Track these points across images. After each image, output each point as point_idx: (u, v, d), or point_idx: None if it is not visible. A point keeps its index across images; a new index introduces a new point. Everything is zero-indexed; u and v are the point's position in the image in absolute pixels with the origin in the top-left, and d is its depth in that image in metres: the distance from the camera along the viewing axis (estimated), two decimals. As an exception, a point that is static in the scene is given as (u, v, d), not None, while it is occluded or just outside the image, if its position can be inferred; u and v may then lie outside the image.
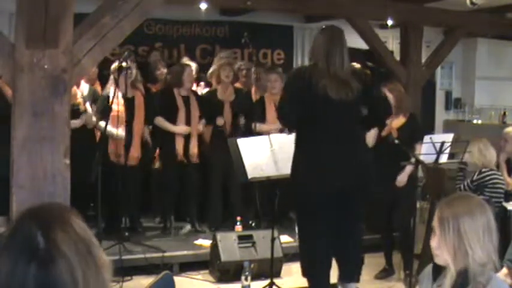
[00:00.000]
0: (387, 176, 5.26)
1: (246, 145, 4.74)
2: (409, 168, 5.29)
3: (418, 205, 5.81)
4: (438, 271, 2.16)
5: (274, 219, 5.41)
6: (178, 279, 5.01)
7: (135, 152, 6.06)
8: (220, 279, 5.37)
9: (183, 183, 6.38)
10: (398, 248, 5.66)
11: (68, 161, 3.78)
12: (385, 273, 5.66)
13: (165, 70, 6.91)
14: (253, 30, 8.20)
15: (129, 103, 5.99)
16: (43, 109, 3.72)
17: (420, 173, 5.72)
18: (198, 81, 7.21)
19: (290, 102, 4.21)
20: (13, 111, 3.75)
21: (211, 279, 5.47)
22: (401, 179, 5.36)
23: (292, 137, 4.89)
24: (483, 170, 5.50)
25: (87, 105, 6.00)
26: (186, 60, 7.24)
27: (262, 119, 6.54)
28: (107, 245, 5.46)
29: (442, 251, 2.16)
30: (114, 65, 5.98)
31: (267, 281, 4.98)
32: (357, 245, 4.37)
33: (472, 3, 6.38)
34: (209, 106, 6.47)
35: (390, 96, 5.42)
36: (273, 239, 4.97)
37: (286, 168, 4.70)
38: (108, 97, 5.87)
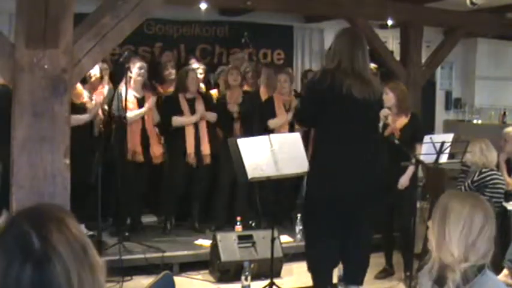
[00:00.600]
0: (388, 176, 5.26)
1: (246, 145, 4.73)
2: (410, 170, 5.28)
3: (418, 205, 5.81)
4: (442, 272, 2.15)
5: (274, 219, 5.42)
6: (178, 279, 5.01)
7: (158, 150, 6.16)
8: (220, 279, 5.37)
9: (192, 184, 6.36)
10: (399, 248, 5.66)
11: (68, 161, 3.78)
12: (385, 273, 5.66)
13: (173, 71, 6.91)
14: (253, 30, 8.20)
15: (139, 103, 6.07)
16: (43, 109, 3.72)
17: (420, 173, 5.71)
18: (205, 82, 7.20)
19: (309, 103, 4.24)
20: (13, 111, 3.75)
21: (211, 279, 5.47)
22: (404, 181, 5.35)
23: (292, 137, 4.91)
24: (483, 170, 5.50)
25: (94, 101, 6.02)
26: (193, 62, 7.24)
27: (272, 118, 6.55)
28: (106, 245, 5.48)
29: (431, 239, 2.16)
30: (140, 64, 6.06)
31: (267, 281, 4.98)
32: (364, 248, 4.38)
33: (472, 3, 6.38)
34: (219, 113, 6.47)
35: (391, 95, 5.42)
36: (273, 239, 4.97)
37: (286, 168, 4.71)
38: (121, 95, 5.90)
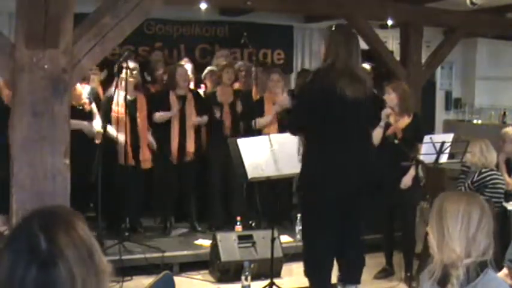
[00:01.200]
0: (388, 176, 5.26)
1: (246, 145, 4.74)
2: (413, 170, 5.28)
3: (418, 205, 5.81)
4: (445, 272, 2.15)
5: (274, 219, 5.41)
6: (178, 279, 5.01)
7: (147, 155, 6.13)
8: (220, 279, 5.37)
9: (181, 183, 6.38)
10: (400, 248, 5.66)
11: (68, 161, 3.78)
12: (385, 273, 5.66)
13: (163, 70, 6.91)
14: (253, 30, 8.20)
15: (130, 105, 5.98)
16: (43, 109, 3.72)
17: (420, 173, 5.71)
18: (196, 82, 7.19)
19: (302, 111, 4.21)
20: (13, 111, 3.75)
21: (211, 279, 5.47)
22: (406, 181, 5.35)
23: (292, 137, 4.90)
24: (483, 170, 5.50)
25: (93, 106, 6.00)
26: (185, 61, 7.23)
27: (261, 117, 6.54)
28: (107, 245, 5.47)
29: (431, 242, 2.17)
30: (133, 66, 6.01)
31: (267, 281, 4.98)
32: (359, 246, 4.37)
33: (472, 3, 6.38)
34: (209, 108, 6.46)
35: (394, 96, 5.42)
36: (273, 239, 4.97)
37: (286, 168, 4.71)
38: (112, 98, 5.87)
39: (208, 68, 7.17)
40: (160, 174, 6.42)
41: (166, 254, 5.61)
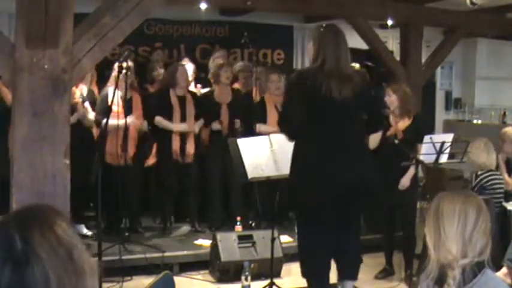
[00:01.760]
0: (388, 176, 5.26)
1: (246, 145, 4.74)
2: (411, 171, 5.28)
3: (418, 205, 5.81)
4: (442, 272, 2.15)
5: (274, 219, 5.42)
6: (178, 279, 5.01)
7: (131, 151, 6.06)
8: (220, 279, 5.37)
9: (181, 183, 6.38)
10: (400, 248, 5.66)
11: (68, 161, 3.78)
12: (385, 273, 5.66)
13: (162, 70, 6.91)
14: (253, 30, 8.20)
15: (126, 104, 5.97)
16: (43, 109, 3.72)
17: (420, 173, 5.72)
18: (196, 81, 7.20)
19: (291, 109, 4.20)
20: (13, 111, 3.75)
21: (211, 279, 5.47)
22: (405, 182, 5.35)
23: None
24: (479, 173, 5.49)
25: (87, 104, 5.99)
26: (186, 61, 7.23)
27: (263, 120, 6.53)
28: (107, 245, 5.47)
29: (428, 242, 2.17)
30: (118, 65, 5.97)
31: (267, 281, 4.98)
32: (355, 243, 4.37)
33: (472, 3, 6.38)
34: (207, 108, 6.46)
35: (394, 98, 5.41)
36: (273, 239, 4.97)
37: (286, 168, 4.69)
38: (107, 97, 5.86)
39: (213, 67, 7.19)
40: (160, 174, 6.42)
41: (166, 254, 5.61)
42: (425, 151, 5.12)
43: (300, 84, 4.13)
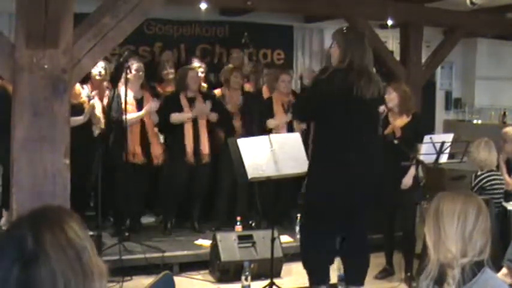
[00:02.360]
0: (388, 176, 5.26)
1: (246, 145, 4.74)
2: (412, 170, 5.28)
3: (418, 205, 5.81)
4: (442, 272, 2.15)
5: (274, 219, 5.41)
6: (178, 279, 5.01)
7: (158, 150, 6.16)
8: (220, 279, 5.36)
9: (192, 184, 6.35)
10: (400, 248, 5.66)
11: (68, 161, 3.78)
12: (385, 273, 5.66)
13: (171, 70, 6.91)
14: (253, 30, 8.20)
15: (138, 104, 6.04)
16: (43, 109, 3.72)
17: (420, 173, 5.72)
18: (205, 81, 7.20)
19: (312, 100, 4.22)
20: (13, 111, 3.75)
21: (211, 279, 5.47)
22: (406, 182, 5.34)
23: (292, 137, 4.91)
24: (479, 173, 5.50)
25: (93, 102, 5.99)
26: (195, 62, 7.23)
27: (271, 118, 6.56)
28: (107, 245, 5.48)
29: (428, 242, 2.17)
30: (137, 66, 6.03)
31: (267, 281, 4.98)
32: (364, 248, 4.38)
33: (472, 3, 6.38)
34: (219, 112, 6.47)
35: (394, 95, 5.43)
36: (273, 239, 4.97)
37: (286, 168, 4.71)
38: (120, 96, 5.88)
39: (225, 68, 7.22)
40: (172, 174, 6.37)
41: (166, 254, 5.61)
42: (425, 151, 5.12)
43: (330, 82, 4.16)
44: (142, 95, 6.17)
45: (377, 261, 5.72)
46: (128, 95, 5.76)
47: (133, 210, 6.23)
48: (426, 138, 5.21)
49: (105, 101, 6.15)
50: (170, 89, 6.72)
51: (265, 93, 6.91)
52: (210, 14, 7.79)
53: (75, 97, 5.58)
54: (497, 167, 5.73)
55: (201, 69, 6.94)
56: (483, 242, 2.11)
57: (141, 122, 6.09)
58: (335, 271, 4.82)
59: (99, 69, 6.09)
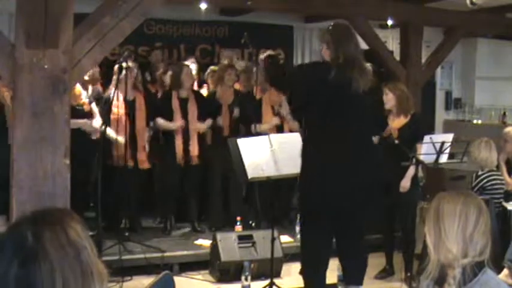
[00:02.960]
0: (388, 176, 5.26)
1: (246, 145, 4.74)
2: (411, 172, 5.28)
3: (418, 205, 5.81)
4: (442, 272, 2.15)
5: (274, 219, 5.41)
6: (178, 279, 5.01)
7: (144, 155, 6.11)
8: (220, 279, 5.37)
9: (184, 184, 6.37)
10: (400, 248, 5.66)
11: (68, 161, 3.78)
12: (386, 273, 5.66)
13: (163, 70, 6.91)
14: (253, 30, 8.19)
15: (130, 105, 5.98)
16: (43, 109, 3.72)
17: (420, 173, 5.72)
18: (199, 82, 7.19)
19: (303, 90, 4.20)
20: (13, 111, 3.75)
21: (211, 279, 5.47)
22: (405, 184, 5.34)
23: (292, 137, 4.90)
24: (479, 173, 5.50)
25: (93, 105, 5.99)
26: (191, 61, 7.23)
27: (258, 119, 6.52)
28: (106, 245, 5.47)
29: (428, 243, 2.17)
30: (116, 66, 5.97)
31: (267, 281, 4.98)
32: (361, 247, 4.38)
33: (472, 3, 6.38)
34: (208, 108, 6.46)
35: (391, 96, 5.42)
36: (273, 239, 4.97)
37: (286, 169, 4.70)
38: (109, 99, 5.86)
39: (211, 68, 7.18)
40: (163, 175, 6.40)
41: (166, 254, 5.61)
42: (425, 151, 5.12)
43: (319, 72, 4.12)
44: (135, 96, 6.11)
45: (377, 261, 5.72)
46: (119, 96, 5.72)
47: (131, 212, 6.22)
48: (426, 138, 5.20)
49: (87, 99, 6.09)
50: (163, 89, 6.71)
51: (257, 94, 6.87)
52: (210, 14, 7.80)
53: (75, 98, 5.57)
54: (497, 167, 5.73)
55: (194, 67, 6.91)
56: (484, 243, 2.11)
57: (131, 126, 6.00)
58: (335, 271, 4.82)
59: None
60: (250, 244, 5.49)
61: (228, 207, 6.66)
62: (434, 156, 5.12)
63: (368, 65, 4.30)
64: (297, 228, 6.09)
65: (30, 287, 1.20)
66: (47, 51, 3.69)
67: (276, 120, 6.52)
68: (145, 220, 6.73)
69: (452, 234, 2.09)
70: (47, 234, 1.23)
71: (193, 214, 6.52)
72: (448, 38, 7.82)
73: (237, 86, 6.99)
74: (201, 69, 7.41)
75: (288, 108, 6.01)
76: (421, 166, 5.48)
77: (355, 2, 6.69)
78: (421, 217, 5.85)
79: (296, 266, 5.46)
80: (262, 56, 6.20)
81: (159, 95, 6.81)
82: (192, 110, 6.31)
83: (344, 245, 4.26)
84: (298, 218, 6.04)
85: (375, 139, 5.26)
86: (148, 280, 4.52)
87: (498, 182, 5.51)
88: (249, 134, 6.25)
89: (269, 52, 4.67)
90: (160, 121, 6.26)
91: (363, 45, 7.23)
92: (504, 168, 5.89)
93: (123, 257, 5.33)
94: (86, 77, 6.19)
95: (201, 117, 6.37)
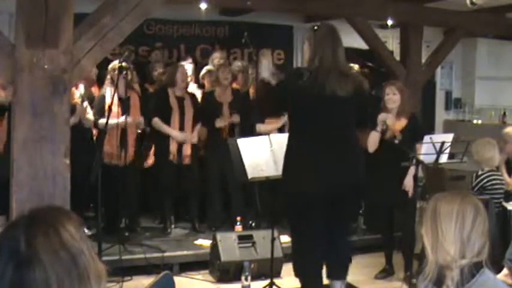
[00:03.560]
0: (388, 176, 5.26)
1: (246, 145, 4.74)
2: (412, 170, 5.28)
3: (418, 205, 5.81)
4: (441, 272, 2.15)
5: (274, 219, 5.41)
6: (178, 279, 5.01)
7: (131, 150, 6.06)
8: (220, 279, 5.36)
9: (180, 184, 6.37)
10: (400, 248, 5.66)
11: (68, 161, 3.78)
12: (385, 273, 5.66)
13: (161, 70, 6.91)
14: (253, 30, 8.19)
15: (124, 103, 5.97)
16: (43, 109, 3.72)
17: (420, 173, 5.72)
18: (196, 82, 7.19)
19: (282, 94, 4.22)
20: (13, 111, 3.75)
21: (211, 279, 5.47)
22: (408, 182, 5.33)
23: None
24: (479, 173, 5.50)
25: (85, 104, 5.98)
26: (188, 61, 7.22)
27: (260, 119, 6.51)
28: (106, 245, 5.47)
29: (425, 244, 2.17)
30: (112, 65, 5.97)
31: (267, 281, 4.98)
32: (345, 244, 4.39)
33: (472, 3, 6.38)
34: (207, 108, 6.46)
35: (398, 97, 5.41)
36: (273, 239, 4.97)
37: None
38: (104, 97, 5.86)
39: (206, 68, 7.17)
40: (160, 174, 6.41)
41: (166, 254, 5.61)
42: (425, 151, 5.12)
43: (299, 79, 4.12)
44: (129, 95, 6.08)
45: (377, 261, 5.73)
46: (113, 95, 5.70)
47: (129, 212, 6.22)
48: (426, 138, 5.20)
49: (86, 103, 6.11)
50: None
51: (252, 94, 6.86)
52: (210, 14, 7.79)
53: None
54: (497, 167, 5.72)
55: (190, 67, 6.90)
56: (481, 243, 2.10)
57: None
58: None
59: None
60: (250, 244, 5.49)
61: (228, 207, 6.66)
62: (434, 156, 5.12)
63: (354, 68, 4.27)
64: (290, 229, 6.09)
65: None
66: (47, 51, 3.69)
67: (279, 123, 6.46)
68: (145, 220, 6.73)
69: (450, 235, 2.09)
70: (40, 239, 1.22)
71: (193, 214, 6.52)
72: (448, 38, 7.82)
73: (235, 85, 6.99)
74: (200, 69, 7.40)
75: None
76: (421, 166, 5.48)
77: (355, 2, 6.69)
78: (420, 217, 5.85)
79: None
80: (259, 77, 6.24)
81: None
82: (189, 111, 6.31)
83: (329, 241, 4.25)
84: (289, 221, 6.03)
85: (375, 136, 5.25)
86: (148, 280, 4.52)
87: (498, 181, 5.51)
88: (248, 132, 6.24)
89: (263, 77, 4.66)
90: (158, 122, 6.25)
91: (363, 45, 7.27)
92: (504, 169, 5.89)
93: (123, 257, 5.33)
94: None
95: (197, 119, 6.37)
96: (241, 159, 4.68)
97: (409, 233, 5.48)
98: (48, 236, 1.23)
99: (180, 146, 6.26)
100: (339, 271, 4.35)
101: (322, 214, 4.13)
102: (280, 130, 6.45)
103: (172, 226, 6.43)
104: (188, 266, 5.67)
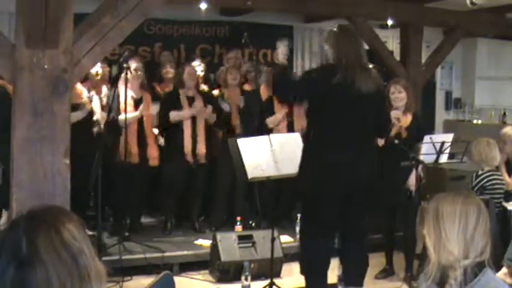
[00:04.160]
0: (388, 176, 5.26)
1: (246, 145, 4.74)
2: (414, 170, 5.28)
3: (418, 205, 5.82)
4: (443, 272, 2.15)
5: (274, 219, 5.41)
6: (178, 279, 5.01)
7: (154, 152, 6.15)
8: (220, 279, 5.36)
9: (190, 184, 6.36)
10: (401, 248, 5.66)
11: (68, 161, 3.78)
12: (386, 273, 5.66)
13: (171, 70, 6.92)
14: (253, 30, 8.20)
15: (136, 104, 6.04)
16: (43, 109, 3.72)
17: (420, 173, 5.71)
18: (205, 81, 7.19)
19: (308, 86, 4.24)
20: (13, 111, 3.75)
21: (211, 279, 5.47)
22: (412, 181, 5.33)
23: (292, 137, 4.91)
24: (479, 172, 5.50)
25: (94, 104, 6.00)
26: (195, 61, 7.21)
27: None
28: (107, 245, 5.47)
29: (428, 245, 2.16)
30: (135, 65, 6.03)
31: (267, 281, 4.98)
32: (363, 248, 4.39)
33: (472, 3, 6.38)
34: (216, 110, 6.47)
35: (404, 95, 5.41)
36: (273, 239, 4.97)
37: (286, 168, 4.71)
38: (119, 96, 5.90)
39: (221, 68, 7.21)
40: (170, 174, 6.36)
41: (166, 254, 5.61)
42: (425, 151, 5.12)
43: (329, 77, 4.13)
44: (142, 95, 6.16)
45: (377, 261, 5.72)
46: (127, 96, 5.76)
47: (133, 210, 6.23)
48: (426, 138, 5.21)
49: (104, 100, 6.17)
50: (169, 89, 6.72)
51: (264, 93, 6.87)
52: (210, 14, 7.79)
53: (76, 97, 5.59)
54: (497, 167, 5.72)
55: (201, 68, 6.93)
56: (484, 242, 2.10)
57: (139, 122, 6.08)
58: (334, 271, 4.82)
59: (96, 68, 6.09)
60: (250, 244, 5.49)
61: (232, 206, 6.65)
62: (434, 156, 5.13)
63: (372, 67, 4.35)
64: (297, 228, 6.10)
65: None
66: (47, 51, 3.69)
67: (284, 111, 6.49)
68: (146, 220, 6.73)
69: (453, 235, 2.09)
70: (41, 240, 1.23)
71: (194, 214, 6.52)
72: (448, 38, 7.82)
73: (246, 86, 7.00)
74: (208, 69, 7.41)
75: None
76: (421, 166, 5.48)
77: (355, 2, 6.69)
78: (421, 217, 5.85)
79: (296, 266, 5.46)
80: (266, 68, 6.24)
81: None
82: (198, 104, 6.31)
83: (346, 245, 4.27)
84: (299, 218, 6.05)
85: (381, 141, 5.27)
86: (148, 280, 4.52)
87: (498, 181, 5.51)
88: (261, 130, 6.22)
89: (281, 61, 4.70)
90: (173, 113, 6.24)
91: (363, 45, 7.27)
92: (504, 169, 5.89)
93: (123, 257, 5.33)
94: (98, 77, 6.26)
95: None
96: (241, 159, 4.69)
97: (409, 232, 5.48)
98: (49, 236, 1.24)
99: (194, 145, 6.26)
100: (356, 277, 4.36)
101: (337, 212, 4.15)
102: (290, 127, 6.46)
103: (172, 223, 6.43)
104: (188, 266, 5.67)
